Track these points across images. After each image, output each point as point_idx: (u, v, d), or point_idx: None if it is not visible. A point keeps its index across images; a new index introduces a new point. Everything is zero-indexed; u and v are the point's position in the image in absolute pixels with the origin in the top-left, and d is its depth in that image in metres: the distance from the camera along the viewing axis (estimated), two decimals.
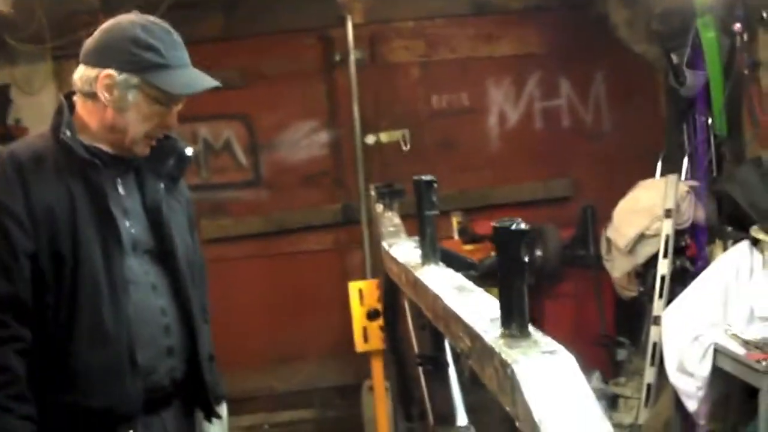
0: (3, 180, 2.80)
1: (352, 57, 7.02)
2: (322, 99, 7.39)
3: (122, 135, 2.88)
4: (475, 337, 2.41)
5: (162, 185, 3.04)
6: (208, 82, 2.92)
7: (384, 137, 7.08)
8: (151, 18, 2.94)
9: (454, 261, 3.86)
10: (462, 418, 3.48)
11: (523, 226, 2.23)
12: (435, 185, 3.67)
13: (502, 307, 2.27)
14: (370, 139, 7.06)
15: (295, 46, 7.30)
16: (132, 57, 2.82)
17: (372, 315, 5.35)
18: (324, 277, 7.11)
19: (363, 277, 6.59)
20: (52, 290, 2.78)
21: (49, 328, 2.77)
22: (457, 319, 2.65)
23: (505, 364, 2.03)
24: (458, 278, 3.23)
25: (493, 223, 2.29)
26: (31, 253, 2.75)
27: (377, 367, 5.57)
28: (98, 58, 2.84)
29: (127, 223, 2.91)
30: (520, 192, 7.43)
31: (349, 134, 7.13)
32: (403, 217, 4.01)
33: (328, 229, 7.39)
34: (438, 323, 3.10)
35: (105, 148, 2.92)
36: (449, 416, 3.62)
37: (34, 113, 7.04)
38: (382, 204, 4.71)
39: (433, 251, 3.63)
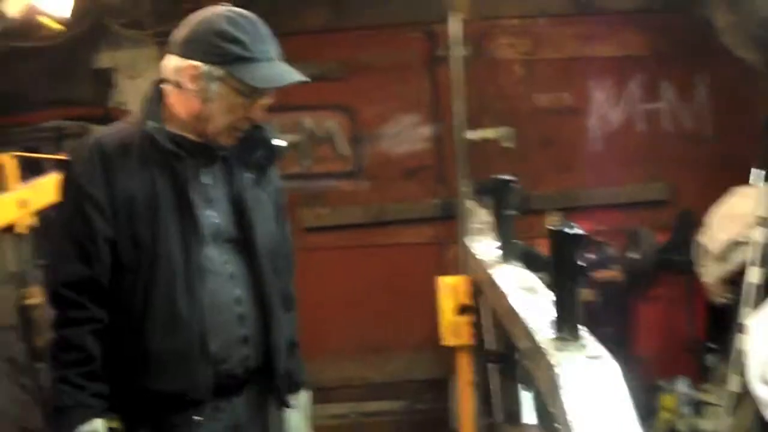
0: (88, 167, 2.92)
1: (456, 52, 7.03)
2: (425, 93, 7.53)
3: (207, 125, 2.97)
4: (529, 337, 2.59)
5: (249, 175, 3.12)
6: (292, 76, 2.97)
7: (486, 134, 7.18)
8: (239, 10, 3.00)
9: (535, 260, 4.03)
10: (528, 416, 3.66)
11: (578, 230, 2.39)
12: (514, 185, 3.90)
13: (556, 310, 2.42)
14: (472, 135, 7.05)
15: (399, 39, 7.46)
16: (216, 49, 2.91)
17: (462, 310, 5.60)
18: (419, 270, 7.04)
19: (458, 273, 6.84)
20: (130, 276, 2.90)
21: (126, 312, 2.91)
22: (518, 319, 2.84)
23: (550, 367, 2.20)
24: (531, 279, 3.41)
25: (549, 226, 2.45)
26: (110, 239, 2.89)
27: (463, 362, 5.80)
28: (185, 49, 2.95)
29: (210, 213, 3.00)
30: (617, 194, 7.46)
31: (451, 129, 7.07)
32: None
33: (426, 222, 7.52)
34: (504, 321, 3.33)
35: (191, 137, 3.01)
36: (515, 414, 3.80)
37: (137, 97, 7.52)
38: (474, 200, 4.89)
39: (510, 250, 3.84)
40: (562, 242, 2.27)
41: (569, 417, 1.87)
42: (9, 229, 4.22)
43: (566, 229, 2.25)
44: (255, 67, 2.90)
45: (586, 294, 6.77)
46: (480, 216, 4.67)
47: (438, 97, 7.48)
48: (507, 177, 3.87)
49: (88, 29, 6.43)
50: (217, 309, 2.97)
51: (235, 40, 2.91)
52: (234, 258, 3.05)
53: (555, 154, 7.52)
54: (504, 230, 3.91)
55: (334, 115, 7.64)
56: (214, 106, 2.93)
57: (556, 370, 2.03)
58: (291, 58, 7.55)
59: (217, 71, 2.90)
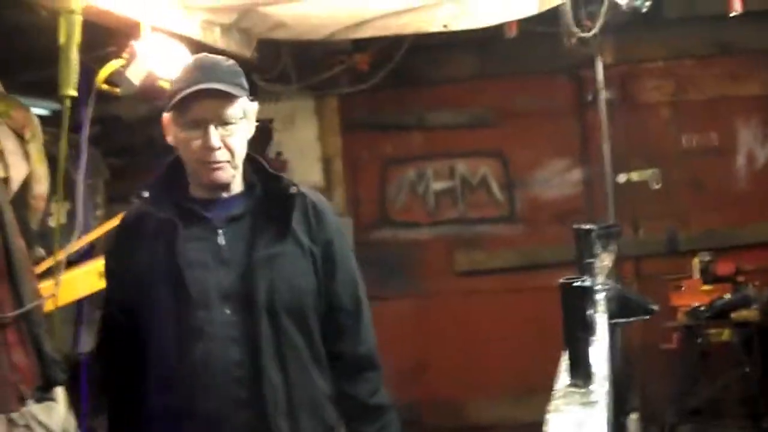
0: (111, 239, 3.41)
1: (603, 96, 7.32)
2: (574, 137, 7.79)
3: (190, 172, 3.02)
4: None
5: (272, 230, 3.04)
6: (205, 86, 2.89)
7: (635, 176, 7.38)
8: (205, 54, 3.14)
9: (631, 304, 4.23)
10: None
11: (586, 283, 2.61)
12: (593, 233, 4.13)
13: (570, 360, 2.62)
14: (622, 178, 7.35)
15: (546, 85, 7.77)
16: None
17: None
18: None
19: None
20: (133, 339, 3.04)
21: (133, 372, 3.06)
22: None
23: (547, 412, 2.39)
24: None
25: (560, 280, 2.63)
26: (118, 306, 3.11)
27: None
28: None
29: (221, 273, 2.99)
30: (765, 232, 7.50)
31: (601, 172, 7.38)
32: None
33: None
34: None
35: (203, 195, 3.04)
36: None
37: (295, 146, 7.94)
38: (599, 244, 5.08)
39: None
40: (570, 294, 2.53)
41: None
42: None
43: (574, 282, 2.51)
44: (179, 95, 2.90)
45: (725, 334, 7.09)
46: (602, 260, 4.82)
47: (586, 141, 7.75)
48: (586, 227, 4.14)
49: None
50: (212, 371, 2.97)
51: (176, 82, 3.01)
52: (244, 319, 3.00)
53: (704, 193, 7.62)
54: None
55: (487, 161, 7.98)
56: (181, 150, 2.98)
57: (547, 415, 2.27)
58: (443, 106, 8.09)
59: (168, 116, 2.99)
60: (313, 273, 3.09)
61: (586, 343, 2.40)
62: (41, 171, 4.27)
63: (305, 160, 8.05)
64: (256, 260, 2.99)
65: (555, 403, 2.19)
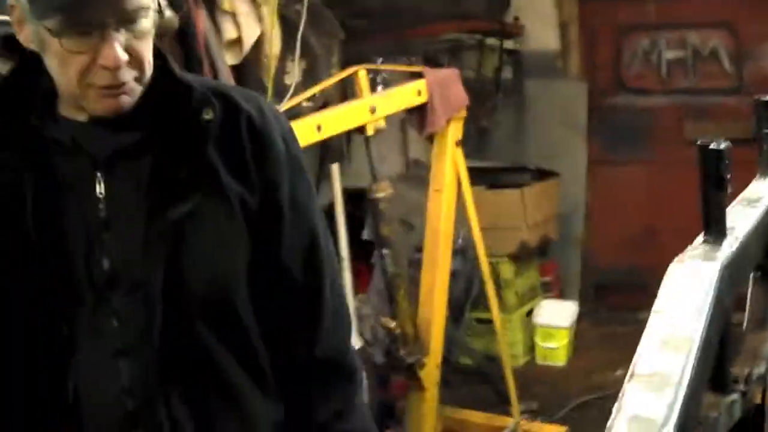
0: None
1: None
2: None
3: (61, 90, 1.95)
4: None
5: (180, 174, 1.96)
6: None
7: None
8: None
9: None
10: None
11: (722, 146, 2.63)
12: None
13: (704, 220, 2.67)
14: None
15: None
16: None
17: None
18: None
19: None
20: None
21: None
22: None
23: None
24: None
25: (698, 142, 2.67)
26: None
27: None
28: None
29: (97, 247, 1.94)
30: None
31: None
32: None
33: None
34: None
35: (79, 118, 1.98)
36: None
37: (532, 11, 7.95)
38: None
39: None
40: (707, 156, 2.54)
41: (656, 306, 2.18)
42: (360, 130, 4.73)
43: (712, 144, 2.52)
44: None
45: None
46: None
47: None
48: None
49: None
50: (88, 403, 1.95)
51: None
52: (135, 322, 1.95)
53: None
54: None
55: (718, 33, 7.73)
56: (49, 57, 1.89)
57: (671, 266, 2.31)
58: None
59: (24, 2, 1.85)
60: (246, 238, 2.03)
61: (722, 203, 2.45)
62: (274, 32, 4.46)
63: (542, 26, 8.07)
64: (154, 225, 1.94)
65: (681, 256, 2.23)
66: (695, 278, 2.14)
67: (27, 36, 1.90)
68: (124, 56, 1.83)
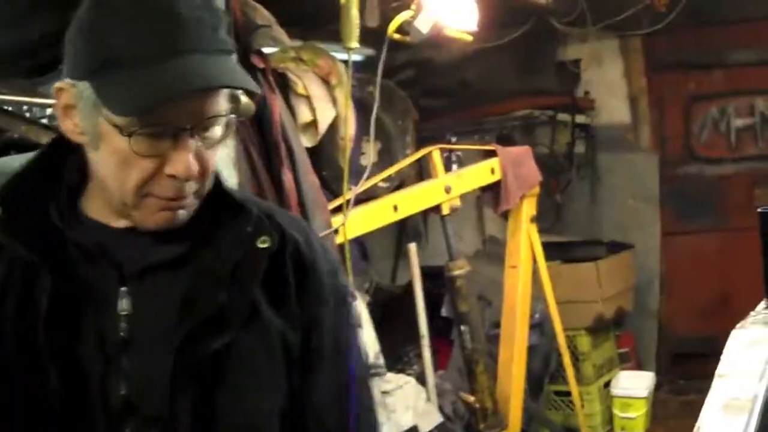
0: None
1: None
2: None
3: (109, 191, 1.70)
4: None
5: (218, 301, 1.71)
6: (205, 80, 1.61)
7: None
8: None
9: None
10: None
11: None
12: None
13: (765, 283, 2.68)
14: None
15: None
16: (79, 53, 1.65)
17: None
18: None
19: None
20: None
21: None
22: None
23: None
24: None
25: (759, 209, 2.68)
26: None
27: None
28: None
29: (116, 372, 1.69)
30: None
31: None
32: None
33: None
34: None
35: (115, 224, 1.74)
36: None
37: (602, 86, 7.95)
38: None
39: None
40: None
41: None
42: (436, 209, 4.80)
43: None
44: (133, 76, 1.57)
45: None
46: None
47: None
48: None
49: (533, 27, 6.91)
50: None
51: (102, 33, 1.61)
52: None
53: None
54: None
55: None
56: (103, 153, 1.66)
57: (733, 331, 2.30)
58: (742, 44, 7.63)
59: (85, 88, 1.63)
60: (285, 379, 1.80)
61: None
62: (348, 114, 4.51)
63: (612, 99, 8.08)
64: (186, 354, 1.68)
65: (743, 322, 2.25)
66: (756, 343, 2.14)
67: (76, 126, 1.67)
68: (195, 166, 1.64)
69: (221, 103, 1.66)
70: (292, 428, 1.81)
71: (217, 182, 1.78)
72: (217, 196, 1.78)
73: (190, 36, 1.60)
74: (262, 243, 1.76)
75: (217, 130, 1.68)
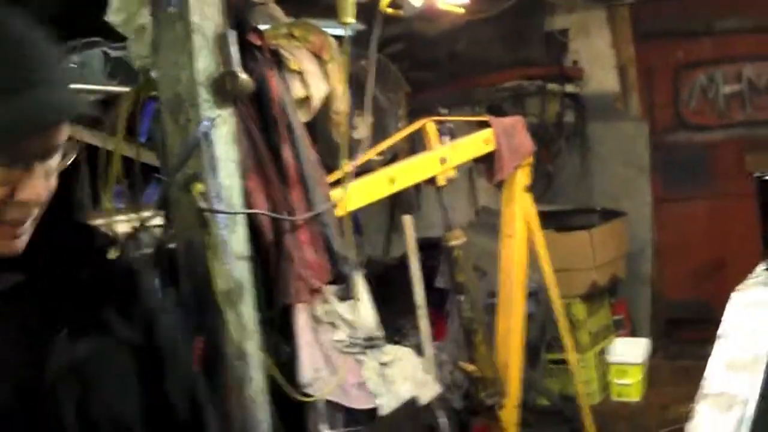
0: None
1: None
2: None
3: None
4: None
5: (69, 313, 1.82)
6: (60, 112, 1.61)
7: None
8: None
9: None
10: None
11: None
12: None
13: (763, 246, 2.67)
14: None
15: None
16: None
17: None
18: None
19: None
20: None
21: None
22: None
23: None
24: None
25: (755, 174, 2.70)
26: None
27: None
28: None
29: None
30: None
31: None
32: None
33: None
34: None
35: None
36: None
37: (590, 55, 7.99)
38: None
39: None
40: (762, 187, 2.61)
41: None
42: (431, 181, 4.78)
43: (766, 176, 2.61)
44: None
45: None
46: None
47: None
48: None
49: None
50: None
51: None
52: None
53: None
54: None
55: None
56: None
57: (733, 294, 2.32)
58: (729, 12, 7.64)
59: None
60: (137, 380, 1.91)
61: None
62: (340, 89, 4.49)
63: (601, 68, 8.09)
64: (56, 366, 1.74)
65: (745, 283, 2.28)
66: (756, 304, 2.17)
67: None
68: (45, 191, 1.63)
69: (64, 131, 1.63)
70: None
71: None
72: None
73: (41, 69, 1.57)
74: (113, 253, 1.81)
75: (57, 158, 1.65)
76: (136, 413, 1.87)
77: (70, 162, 1.69)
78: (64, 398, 1.72)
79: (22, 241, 1.63)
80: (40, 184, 1.59)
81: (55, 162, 1.63)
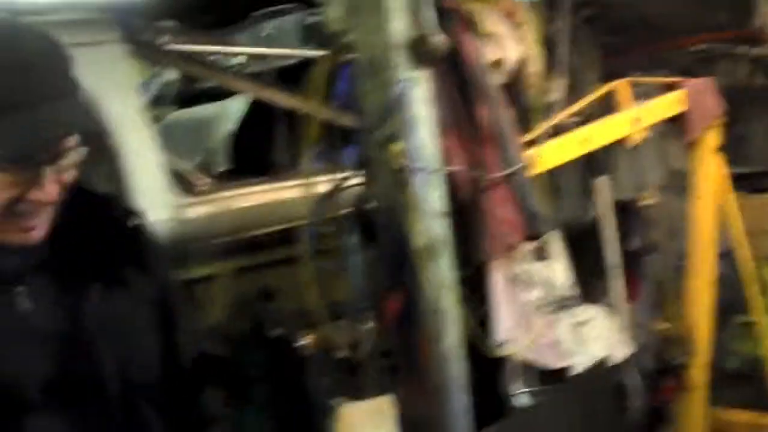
0: None
1: None
2: None
3: None
4: None
5: (90, 286, 1.88)
6: (66, 126, 1.72)
7: None
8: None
9: None
10: None
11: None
12: None
13: None
14: None
15: None
16: None
17: None
18: None
19: None
20: None
21: None
22: None
23: None
24: None
25: None
26: None
27: None
28: None
29: (35, 354, 1.79)
30: None
31: None
32: None
33: None
34: None
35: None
36: None
37: None
38: None
39: None
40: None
41: None
42: (623, 142, 4.73)
43: None
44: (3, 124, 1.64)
45: None
46: None
47: None
48: None
49: None
50: None
51: None
52: (88, 421, 1.84)
53: None
54: None
55: None
56: None
57: None
58: None
59: None
60: (156, 330, 2.05)
61: None
62: (534, 52, 4.46)
63: None
64: (92, 323, 1.85)
65: None
66: None
67: None
68: (56, 191, 1.75)
69: (73, 139, 1.74)
70: None
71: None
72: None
73: (46, 84, 1.67)
74: (133, 219, 2.00)
75: (69, 159, 1.76)
76: (160, 367, 2.01)
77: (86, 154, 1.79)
78: (104, 352, 1.85)
79: (38, 233, 1.78)
80: (52, 184, 1.71)
81: (69, 160, 1.76)
